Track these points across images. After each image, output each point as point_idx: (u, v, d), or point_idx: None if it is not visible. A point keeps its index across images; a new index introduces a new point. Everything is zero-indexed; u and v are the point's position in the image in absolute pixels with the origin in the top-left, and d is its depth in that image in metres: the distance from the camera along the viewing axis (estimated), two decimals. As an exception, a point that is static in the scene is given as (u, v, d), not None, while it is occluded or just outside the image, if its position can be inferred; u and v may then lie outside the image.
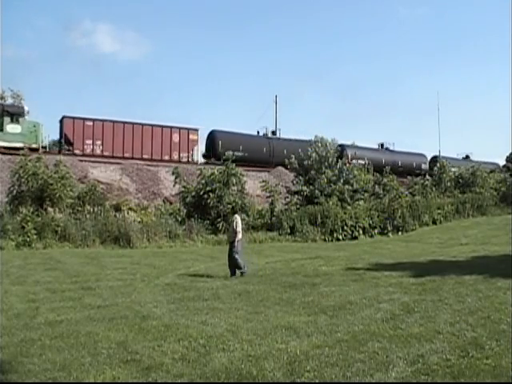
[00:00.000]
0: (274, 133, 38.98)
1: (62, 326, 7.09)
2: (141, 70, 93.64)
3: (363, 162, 35.59)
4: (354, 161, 35.34)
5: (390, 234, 23.76)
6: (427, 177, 35.09)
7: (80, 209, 19.73)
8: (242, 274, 11.50)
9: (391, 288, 9.59)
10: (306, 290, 9.68)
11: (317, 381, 5.01)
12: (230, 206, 21.29)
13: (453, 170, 36.79)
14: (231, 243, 11.83)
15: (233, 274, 11.56)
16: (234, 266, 11.60)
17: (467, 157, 47.33)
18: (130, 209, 21.74)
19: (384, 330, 6.70)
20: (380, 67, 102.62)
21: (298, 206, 23.86)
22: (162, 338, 6.48)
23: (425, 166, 43.46)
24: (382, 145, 43.91)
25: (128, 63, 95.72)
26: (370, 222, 23.54)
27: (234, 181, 22.47)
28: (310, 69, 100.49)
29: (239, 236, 11.76)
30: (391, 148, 44.22)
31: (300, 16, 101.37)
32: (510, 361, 5.37)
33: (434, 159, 43.75)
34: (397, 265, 13.07)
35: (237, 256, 11.58)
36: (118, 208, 21.23)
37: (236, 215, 12.37)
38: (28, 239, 16.83)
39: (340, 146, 40.49)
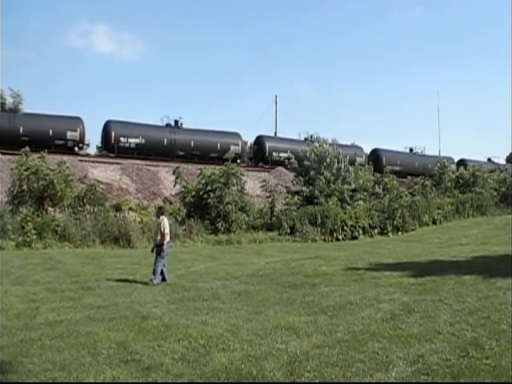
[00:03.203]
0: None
1: (62, 326, 7.09)
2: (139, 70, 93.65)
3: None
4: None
5: (390, 234, 23.76)
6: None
7: (80, 209, 19.70)
8: (151, 280, 10.49)
9: (391, 288, 9.59)
10: (306, 290, 9.68)
11: (317, 381, 5.01)
12: (230, 206, 21.30)
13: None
14: (157, 246, 10.94)
15: (162, 279, 10.69)
16: (153, 270, 10.69)
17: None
18: (130, 209, 21.73)
19: (384, 330, 6.70)
20: (378, 67, 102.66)
21: (297, 206, 23.86)
22: (162, 338, 6.48)
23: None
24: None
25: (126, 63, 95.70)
26: (370, 221, 23.54)
27: (234, 181, 22.48)
28: (307, 68, 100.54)
29: (167, 238, 10.93)
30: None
31: (297, 17, 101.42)
32: (510, 361, 5.37)
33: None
34: (397, 265, 13.06)
35: (160, 263, 10.67)
36: (118, 208, 21.22)
37: (163, 216, 11.35)
38: (28, 239, 16.81)
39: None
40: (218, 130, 35.38)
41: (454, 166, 43.78)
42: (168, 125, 34.03)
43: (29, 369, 5.40)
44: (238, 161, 34.04)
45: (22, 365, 5.53)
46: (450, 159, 45.27)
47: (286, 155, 35.67)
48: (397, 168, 38.43)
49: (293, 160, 28.11)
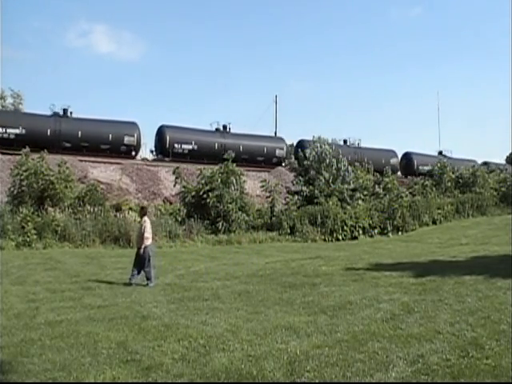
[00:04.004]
0: None
1: (62, 326, 7.09)
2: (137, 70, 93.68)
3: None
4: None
5: (390, 234, 23.76)
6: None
7: (80, 209, 19.71)
8: (146, 284, 10.46)
9: (391, 288, 9.59)
10: (306, 290, 9.68)
11: (317, 381, 5.01)
12: (229, 206, 21.30)
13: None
14: (139, 249, 10.86)
15: (133, 277, 10.65)
16: (145, 275, 10.67)
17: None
18: (130, 209, 21.73)
19: (384, 330, 6.70)
20: (376, 66, 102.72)
21: (297, 206, 23.87)
22: (161, 338, 6.48)
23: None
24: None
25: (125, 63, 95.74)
26: (370, 222, 23.54)
27: (234, 180, 22.49)
28: (303, 65, 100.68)
29: (147, 242, 10.75)
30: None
31: (295, 15, 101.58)
32: (510, 361, 5.37)
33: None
34: (397, 265, 13.06)
35: (148, 268, 10.65)
36: (118, 208, 21.22)
37: (145, 218, 11.03)
38: (28, 239, 16.82)
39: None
40: (111, 119, 32.53)
41: (395, 160, 41.29)
42: (55, 114, 31.15)
43: (29, 369, 5.40)
44: (133, 153, 31.68)
45: (22, 365, 5.53)
46: (393, 152, 42.50)
47: (190, 147, 32.77)
48: None
49: (292, 160, 28.05)
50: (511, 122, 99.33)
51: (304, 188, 25.46)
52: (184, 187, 22.62)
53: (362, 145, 41.31)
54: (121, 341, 6.38)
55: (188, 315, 7.73)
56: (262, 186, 24.56)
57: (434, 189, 31.46)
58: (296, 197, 25.03)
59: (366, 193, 27.04)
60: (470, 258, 14.51)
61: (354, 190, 26.31)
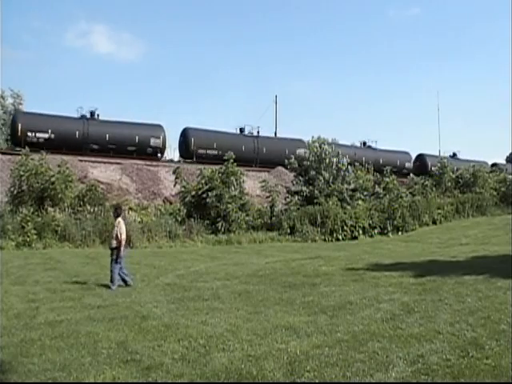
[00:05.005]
0: None
1: (62, 326, 7.09)
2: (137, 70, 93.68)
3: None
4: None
5: (390, 234, 23.76)
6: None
7: (80, 209, 19.72)
8: (109, 288, 10.08)
9: (391, 288, 9.59)
10: (306, 290, 9.67)
11: (317, 381, 5.01)
12: (229, 206, 21.30)
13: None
14: (112, 250, 10.51)
15: (124, 281, 10.40)
16: (110, 276, 10.34)
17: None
18: (130, 209, 21.74)
19: (384, 330, 6.70)
20: (378, 68, 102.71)
21: (297, 206, 23.86)
22: (162, 338, 6.48)
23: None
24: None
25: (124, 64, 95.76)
26: (370, 221, 23.54)
27: (234, 180, 22.48)
28: (304, 69, 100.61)
29: (123, 242, 10.48)
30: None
31: (294, 15, 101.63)
32: (510, 361, 5.37)
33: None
34: (397, 265, 13.06)
35: (116, 269, 10.28)
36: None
37: (119, 219, 10.74)
38: (28, 239, 16.81)
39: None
40: None
41: (302, 151, 38.79)
42: None
43: (29, 369, 5.40)
44: None
45: (22, 365, 5.53)
46: (300, 142, 38.77)
47: (46, 136, 29.61)
48: (213, 152, 33.67)
49: (292, 160, 28.01)
50: (511, 122, 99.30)
51: (304, 188, 25.45)
52: (184, 187, 22.62)
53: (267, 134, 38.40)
54: (121, 341, 6.39)
55: (188, 315, 7.73)
56: (262, 187, 24.56)
57: (433, 189, 31.47)
58: (296, 197, 25.02)
59: (365, 193, 27.04)
60: (470, 257, 14.50)
61: (354, 190, 26.31)
